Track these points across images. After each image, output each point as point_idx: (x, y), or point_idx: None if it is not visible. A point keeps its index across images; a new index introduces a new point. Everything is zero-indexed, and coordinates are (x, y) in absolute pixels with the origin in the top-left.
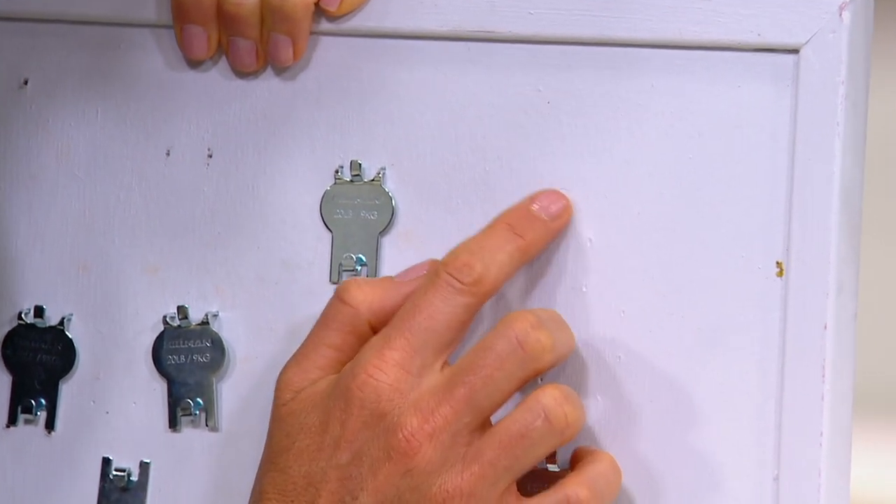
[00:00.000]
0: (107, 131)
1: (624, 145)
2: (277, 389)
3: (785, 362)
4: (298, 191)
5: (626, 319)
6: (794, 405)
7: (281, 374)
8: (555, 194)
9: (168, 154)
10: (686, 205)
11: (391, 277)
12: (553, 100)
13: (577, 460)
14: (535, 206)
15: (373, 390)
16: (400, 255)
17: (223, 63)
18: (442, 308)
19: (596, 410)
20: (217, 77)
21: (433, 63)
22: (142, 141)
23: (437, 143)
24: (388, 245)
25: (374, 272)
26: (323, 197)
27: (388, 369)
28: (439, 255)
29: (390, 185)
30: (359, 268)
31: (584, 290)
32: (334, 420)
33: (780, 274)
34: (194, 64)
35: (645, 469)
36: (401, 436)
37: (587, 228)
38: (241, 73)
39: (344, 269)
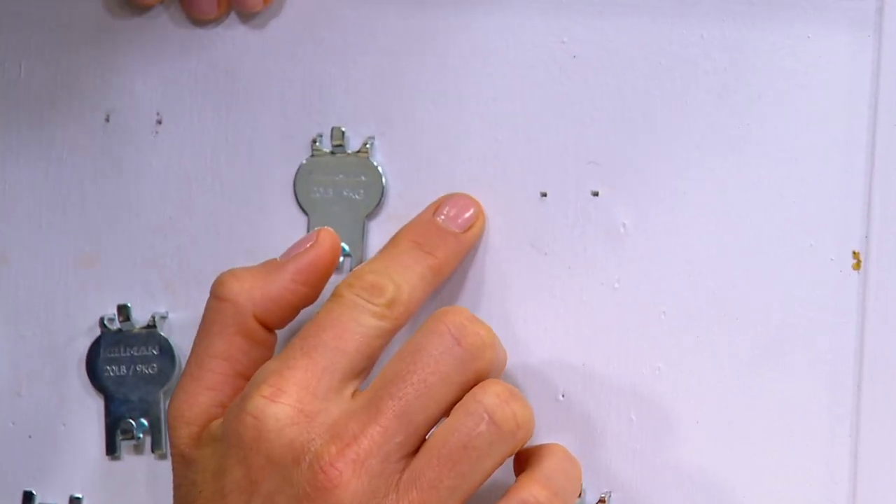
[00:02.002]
0: (31, 91)
1: (666, 110)
2: (170, 427)
3: (862, 375)
4: (267, 164)
5: (666, 322)
6: (873, 427)
7: (169, 405)
8: (462, 200)
9: (107, 120)
10: (742, 183)
11: (273, 259)
12: (580, 54)
13: (524, 460)
14: (440, 218)
15: (272, 416)
16: None
17: (176, 7)
18: (352, 328)
19: (630, 432)
20: (168, 25)
21: (432, 8)
22: (75, 103)
23: (437, 106)
24: (377, 231)
25: (359, 263)
26: (297, 172)
27: (288, 389)
28: None
29: (379, 158)
30: (341, 258)
31: (616, 286)
32: (232, 460)
33: (857, 266)
34: (140, 9)
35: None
36: (317, 468)
37: (620, 212)
38: (198, 20)
39: None
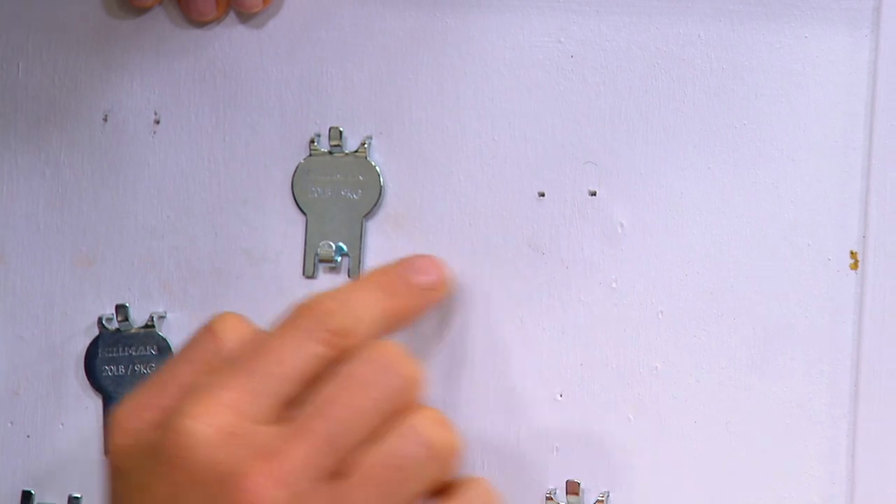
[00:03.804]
0: (29, 91)
1: (663, 109)
2: (112, 428)
3: (860, 374)
4: (265, 164)
5: (664, 322)
6: (870, 426)
7: (115, 410)
8: (429, 263)
9: (105, 119)
10: (739, 183)
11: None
12: (577, 53)
13: (446, 491)
14: (407, 274)
15: (200, 436)
16: (389, 242)
17: (174, 8)
18: (296, 355)
19: (628, 433)
20: (166, 25)
21: (429, 8)
22: (73, 103)
23: (435, 106)
24: (375, 231)
25: (357, 263)
26: (295, 172)
27: (219, 410)
28: (436, 244)
29: (377, 158)
30: (339, 258)
31: (613, 286)
32: (157, 476)
33: (855, 266)
34: (138, 9)
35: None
36: (242, 487)
37: (618, 212)
38: (196, 20)
39: (320, 260)
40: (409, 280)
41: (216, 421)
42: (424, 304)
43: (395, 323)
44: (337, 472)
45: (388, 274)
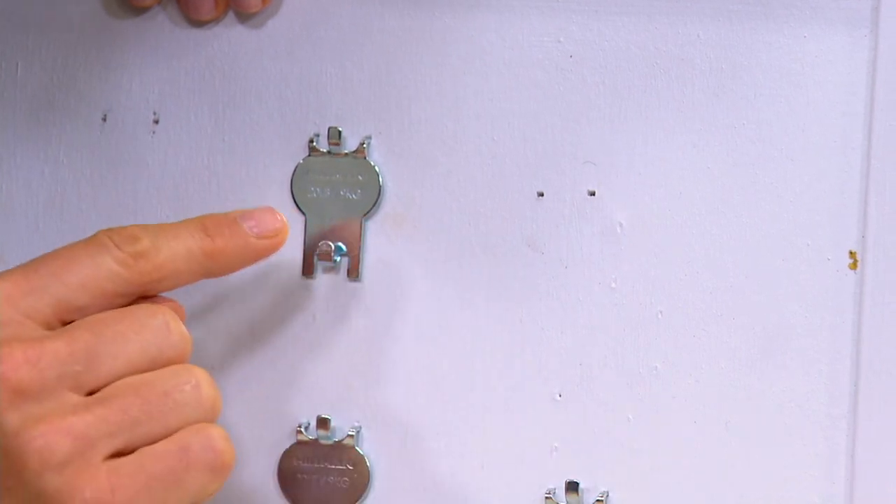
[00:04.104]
0: (29, 91)
1: (662, 109)
2: None
3: (859, 373)
4: (264, 164)
5: (663, 322)
6: (870, 426)
7: None
8: (270, 215)
9: (105, 119)
10: (738, 182)
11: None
12: (576, 53)
13: None
14: (240, 220)
15: None
16: (388, 242)
17: (173, 8)
18: (85, 263)
19: (627, 432)
20: (166, 25)
21: (428, 8)
22: (72, 103)
23: (434, 106)
24: (374, 231)
25: (357, 263)
26: (294, 172)
27: None
28: (435, 244)
29: (376, 158)
30: (338, 258)
31: (613, 286)
32: None
33: (854, 266)
34: (138, 9)
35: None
36: None
37: (617, 211)
38: (195, 20)
39: (320, 259)
40: (237, 225)
41: None
42: (249, 249)
43: (208, 262)
44: (87, 385)
45: (216, 217)
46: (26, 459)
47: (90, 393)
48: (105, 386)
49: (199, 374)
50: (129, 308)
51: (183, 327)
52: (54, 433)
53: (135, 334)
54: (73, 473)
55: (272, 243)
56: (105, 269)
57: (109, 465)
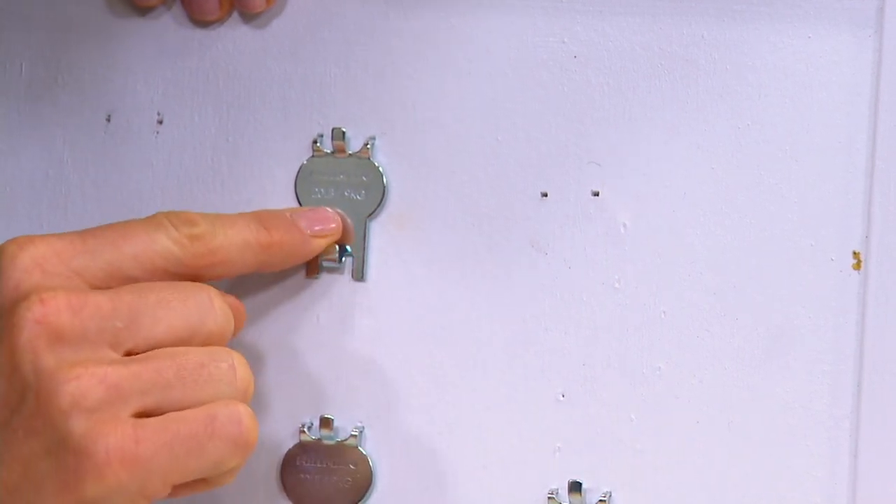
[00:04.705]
0: (33, 91)
1: (667, 110)
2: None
3: (863, 374)
4: (268, 165)
5: (667, 322)
6: (873, 426)
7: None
8: (323, 214)
9: (109, 120)
10: (742, 183)
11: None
12: (581, 54)
13: None
14: (295, 217)
15: (10, 256)
16: (392, 242)
17: (178, 8)
18: (141, 237)
19: (630, 432)
20: (170, 25)
21: (432, 9)
22: (76, 104)
23: (439, 106)
24: (378, 231)
25: (361, 264)
26: (298, 172)
27: (39, 245)
28: (439, 244)
29: (381, 159)
30: (342, 259)
31: (616, 286)
32: None
33: (858, 266)
34: (142, 9)
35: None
36: (35, 298)
37: (621, 211)
38: (199, 20)
39: (324, 260)
40: (292, 220)
41: (32, 253)
42: (305, 246)
43: (263, 255)
44: (126, 343)
45: (271, 211)
46: (58, 400)
47: (128, 354)
48: (144, 351)
49: (237, 357)
50: (176, 282)
51: (227, 307)
52: (88, 377)
53: (179, 303)
54: (100, 420)
55: (327, 241)
56: (159, 245)
57: (136, 420)
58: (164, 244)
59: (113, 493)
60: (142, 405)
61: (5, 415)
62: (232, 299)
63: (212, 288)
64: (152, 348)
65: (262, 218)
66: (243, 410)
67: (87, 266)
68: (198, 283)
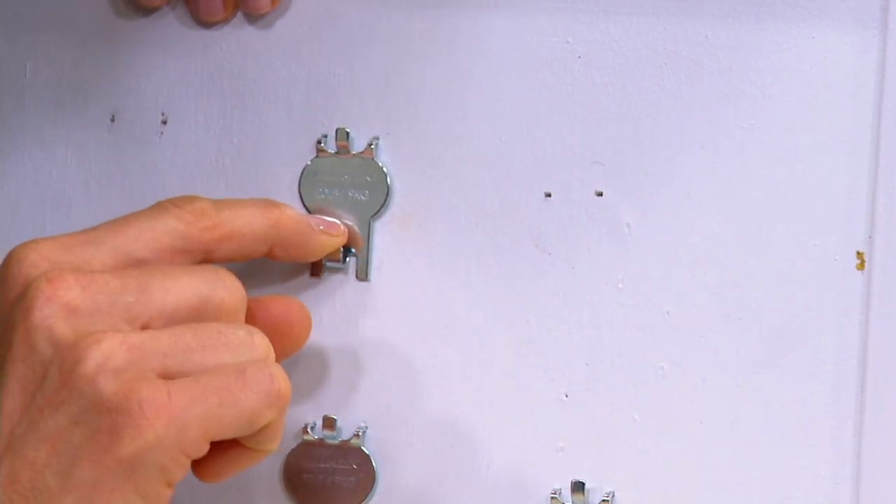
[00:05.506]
0: (37, 91)
1: (670, 110)
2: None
3: (866, 375)
4: (272, 165)
5: (670, 322)
6: (876, 427)
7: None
8: (330, 219)
9: (113, 120)
10: (746, 183)
11: None
12: (584, 54)
13: None
14: (301, 212)
15: (19, 253)
16: (396, 243)
17: (182, 8)
18: (143, 220)
19: (633, 432)
20: (174, 25)
21: (437, 9)
22: (80, 104)
23: (442, 107)
24: (382, 231)
25: (365, 264)
26: (302, 173)
27: (46, 243)
28: (443, 245)
29: (384, 159)
30: (346, 259)
31: (620, 286)
32: None
33: (861, 267)
34: (146, 9)
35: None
36: (42, 278)
37: (624, 212)
38: (204, 21)
39: (327, 260)
40: (300, 216)
41: (39, 247)
42: (312, 238)
43: (272, 231)
44: (138, 317)
45: (279, 204)
46: (82, 366)
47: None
48: (159, 326)
49: (254, 328)
50: (193, 266)
51: (238, 283)
52: (109, 339)
53: (186, 275)
54: (128, 378)
55: (333, 241)
56: (163, 223)
57: (164, 378)
58: (168, 222)
59: (152, 448)
60: (164, 366)
61: (26, 398)
62: (282, 310)
63: (220, 267)
64: (167, 323)
65: (269, 206)
66: (272, 365)
67: (94, 254)
68: (204, 264)
